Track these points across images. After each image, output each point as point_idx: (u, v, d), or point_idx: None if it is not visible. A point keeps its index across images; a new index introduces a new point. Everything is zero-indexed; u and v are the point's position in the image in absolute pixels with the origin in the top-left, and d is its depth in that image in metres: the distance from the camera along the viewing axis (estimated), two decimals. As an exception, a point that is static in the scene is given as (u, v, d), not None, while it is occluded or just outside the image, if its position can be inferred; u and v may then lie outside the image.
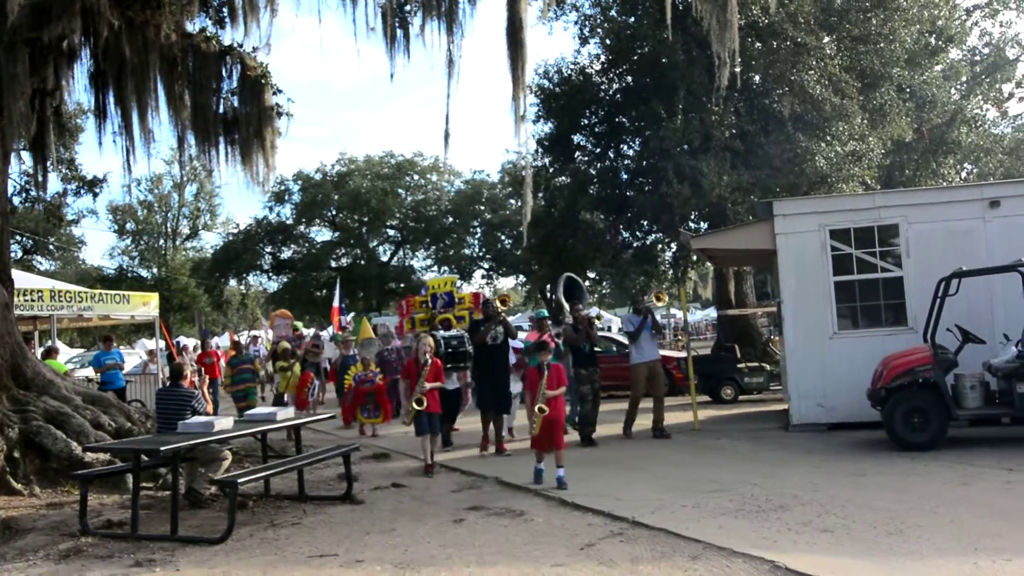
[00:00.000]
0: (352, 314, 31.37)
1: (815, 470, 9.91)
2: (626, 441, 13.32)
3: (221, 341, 35.29)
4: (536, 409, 9.53)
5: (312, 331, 26.56)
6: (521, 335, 15.62)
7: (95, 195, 30.21)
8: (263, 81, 12.89)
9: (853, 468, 9.86)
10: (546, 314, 14.28)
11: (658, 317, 13.93)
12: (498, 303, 13.25)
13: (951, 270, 11.03)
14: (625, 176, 25.52)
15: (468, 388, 15.54)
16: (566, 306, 14.00)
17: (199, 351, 22.19)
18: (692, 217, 23.68)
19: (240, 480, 8.48)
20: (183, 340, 36.03)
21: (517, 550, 7.21)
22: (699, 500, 8.57)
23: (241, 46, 12.84)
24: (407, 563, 6.99)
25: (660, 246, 26.41)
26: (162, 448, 8.28)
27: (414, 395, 10.81)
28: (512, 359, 13.51)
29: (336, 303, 26.45)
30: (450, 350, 12.96)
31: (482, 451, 12.65)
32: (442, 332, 13.87)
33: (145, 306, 21.87)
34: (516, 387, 13.25)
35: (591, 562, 6.70)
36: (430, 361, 11.00)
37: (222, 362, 20.19)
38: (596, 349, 13.67)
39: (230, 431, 9.23)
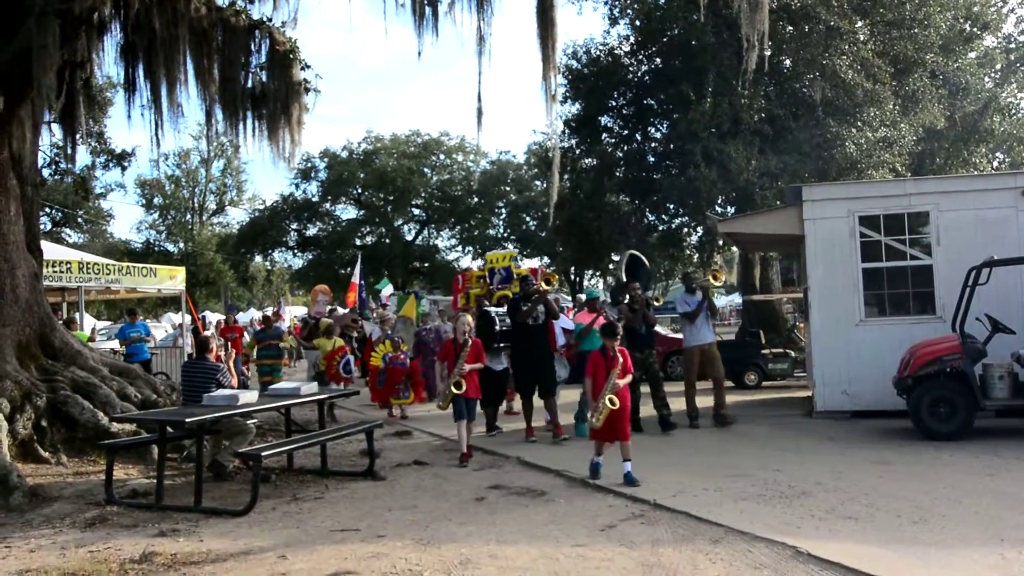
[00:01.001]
0: (395, 292, 30.97)
1: (839, 457, 9.83)
2: (651, 426, 12.58)
3: (244, 317, 35.51)
4: (607, 400, 8.55)
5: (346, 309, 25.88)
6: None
7: (123, 169, 30.54)
8: (291, 56, 12.87)
9: (877, 456, 9.78)
10: (597, 294, 13.44)
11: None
12: (542, 283, 12.18)
13: (982, 259, 10.89)
14: (652, 159, 25.37)
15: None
16: (593, 289, 13.50)
17: (222, 326, 22.26)
18: (719, 201, 23.50)
19: (264, 453, 8.55)
20: (208, 315, 36.27)
21: (537, 529, 7.22)
22: (721, 484, 8.53)
23: (270, 20, 12.85)
24: (428, 539, 7.02)
25: (686, 230, 26.24)
26: (187, 420, 8.34)
27: (452, 377, 10.20)
28: (560, 340, 13.05)
29: (356, 279, 25.82)
30: (505, 328, 12.43)
31: (530, 436, 11.79)
32: (495, 309, 13.37)
33: (172, 280, 22.01)
34: (562, 371, 12.78)
35: (612, 543, 6.70)
36: (470, 341, 10.39)
37: (245, 337, 20.28)
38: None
39: (254, 405, 9.29)
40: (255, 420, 10.10)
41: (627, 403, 8.94)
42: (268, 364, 17.00)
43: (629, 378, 8.93)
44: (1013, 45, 32.41)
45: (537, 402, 12.13)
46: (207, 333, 13.21)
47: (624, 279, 13.54)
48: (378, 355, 15.36)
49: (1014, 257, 10.91)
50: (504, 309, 13.02)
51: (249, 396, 9.37)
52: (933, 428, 10.52)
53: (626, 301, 12.62)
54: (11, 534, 7.59)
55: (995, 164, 31.64)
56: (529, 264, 21.74)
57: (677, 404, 12.97)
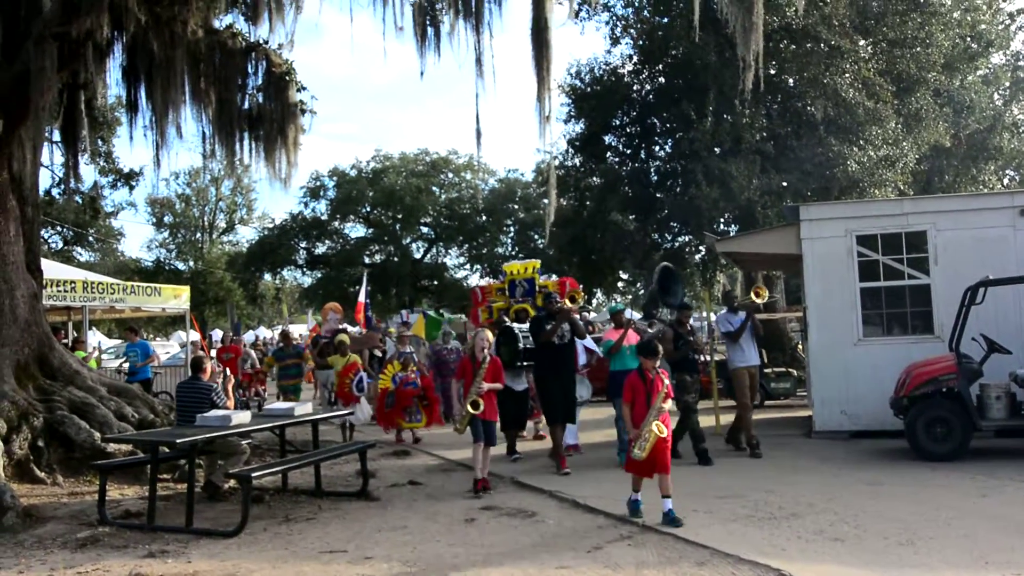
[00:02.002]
0: (415, 311, 30.70)
1: (833, 478, 9.82)
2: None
3: (248, 336, 35.51)
4: (654, 428, 7.63)
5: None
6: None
7: (131, 188, 30.72)
8: (287, 78, 12.99)
9: (871, 477, 9.75)
10: (622, 307, 12.33)
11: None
12: (566, 300, 11.30)
13: (979, 279, 10.88)
14: (655, 177, 25.33)
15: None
16: (667, 301, 12.50)
17: (219, 345, 22.15)
18: (721, 220, 23.49)
19: (255, 474, 8.59)
20: (216, 333, 36.38)
21: (525, 551, 7.24)
22: (711, 506, 8.52)
23: (267, 43, 12.97)
24: (414, 561, 7.05)
25: (689, 248, 26.23)
26: (179, 440, 8.40)
27: (469, 397, 9.49)
28: (582, 359, 12.37)
29: (362, 298, 25.23)
30: (528, 346, 11.60)
31: (562, 468, 10.76)
32: (518, 325, 12.50)
33: (176, 299, 22.09)
34: (583, 391, 12.26)
35: (596, 565, 6.71)
36: (488, 358, 9.73)
37: (252, 356, 20.25)
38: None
39: (247, 425, 9.32)
40: (251, 440, 10.13)
41: (669, 431, 8.09)
42: (290, 384, 16.65)
43: (670, 403, 8.03)
44: (1021, 63, 32.40)
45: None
46: (200, 354, 13.03)
47: (657, 292, 12.82)
48: (387, 376, 14.34)
49: (1010, 277, 10.89)
50: (527, 325, 12.27)
51: (242, 416, 9.40)
52: (929, 449, 10.47)
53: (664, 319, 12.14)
54: (2, 555, 7.63)
55: (1005, 182, 31.61)
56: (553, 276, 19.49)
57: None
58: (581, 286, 12.79)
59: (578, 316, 12.05)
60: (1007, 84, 30.94)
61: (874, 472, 10.07)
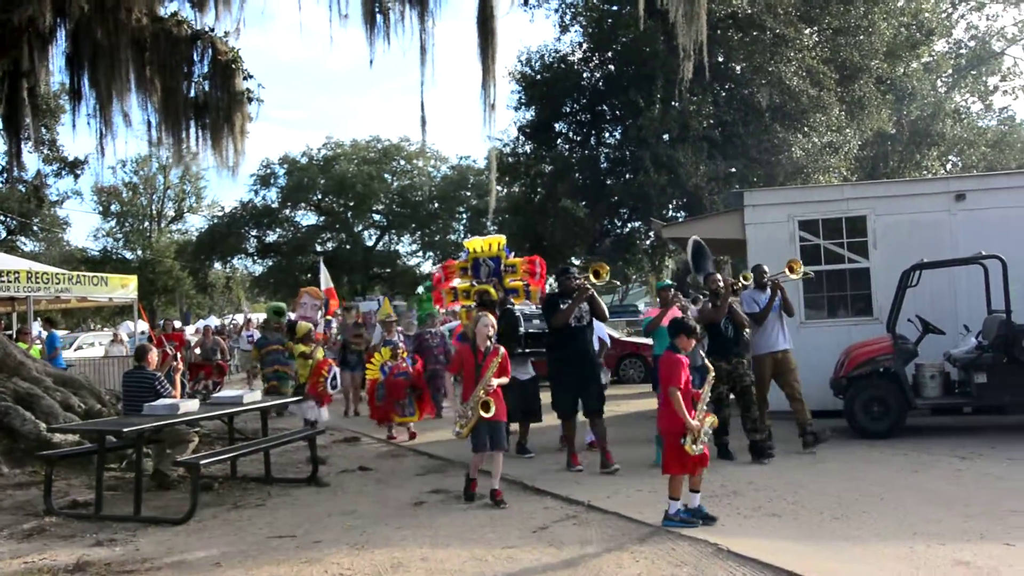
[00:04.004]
0: (368, 298, 30.19)
1: (774, 457, 10.05)
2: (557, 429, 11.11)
3: (198, 325, 35.06)
4: (707, 422, 6.97)
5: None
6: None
7: (76, 176, 30.28)
8: (234, 66, 12.91)
9: (811, 455, 10.01)
10: (669, 283, 10.97)
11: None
12: (590, 275, 9.65)
13: (915, 261, 11.20)
14: (605, 164, 25.63)
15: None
16: (695, 275, 11.21)
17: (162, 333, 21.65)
18: (670, 206, 23.78)
19: (204, 461, 8.60)
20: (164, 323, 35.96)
21: (472, 532, 7.34)
22: (655, 485, 8.66)
23: (213, 31, 12.88)
24: (363, 544, 7.11)
25: (638, 234, 26.53)
26: (126, 429, 8.40)
27: (474, 396, 8.10)
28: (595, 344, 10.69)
29: (328, 283, 24.01)
30: (532, 330, 10.61)
31: (574, 465, 9.76)
32: (520, 307, 11.43)
33: (124, 288, 21.85)
34: (602, 376, 10.75)
35: (541, 544, 6.84)
36: (494, 348, 8.29)
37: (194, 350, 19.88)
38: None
39: (195, 413, 9.33)
40: (199, 429, 10.13)
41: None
42: (278, 371, 15.37)
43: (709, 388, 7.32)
44: (963, 50, 33.10)
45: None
46: (144, 343, 12.40)
47: (690, 265, 11.28)
48: (375, 365, 12.98)
49: (943, 260, 11.20)
50: (531, 309, 11.20)
51: (190, 405, 9.41)
52: (866, 427, 10.79)
53: (703, 296, 10.87)
54: (-53, 546, 7.60)
55: (948, 167, 32.29)
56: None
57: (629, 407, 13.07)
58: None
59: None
60: (949, 71, 31.61)
61: (815, 450, 10.34)
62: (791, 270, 10.61)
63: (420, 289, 26.46)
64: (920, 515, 7.14)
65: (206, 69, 12.94)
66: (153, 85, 12.50)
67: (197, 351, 20.08)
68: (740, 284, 10.52)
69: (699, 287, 15.37)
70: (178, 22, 12.72)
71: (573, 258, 32.47)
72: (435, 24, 12.28)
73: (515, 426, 10.91)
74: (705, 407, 7.09)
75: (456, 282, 13.91)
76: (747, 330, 10.60)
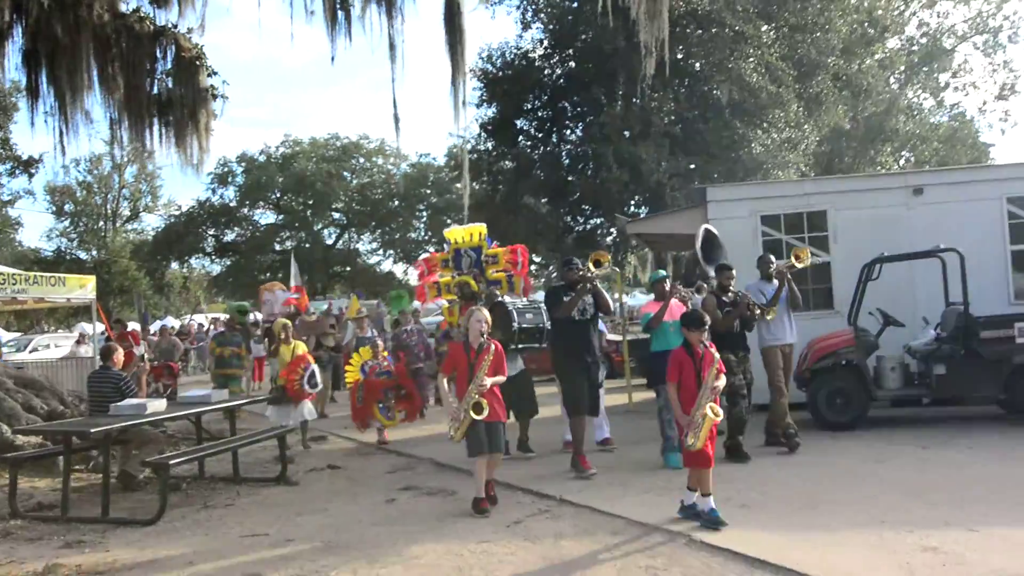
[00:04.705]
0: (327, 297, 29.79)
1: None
2: (552, 425, 11.11)
3: (155, 326, 34.63)
4: (708, 411, 6.64)
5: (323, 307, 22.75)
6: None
7: (31, 175, 29.85)
8: (198, 63, 12.81)
9: (776, 447, 10.13)
10: (664, 274, 10.03)
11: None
12: (590, 265, 9.16)
13: (875, 255, 11.38)
14: (567, 161, 25.72)
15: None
16: (707, 268, 10.24)
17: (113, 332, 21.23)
18: (633, 202, 23.94)
19: (172, 461, 8.55)
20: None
21: (446, 528, 7.37)
22: (626, 479, 8.79)
23: (176, 27, 12.77)
24: (336, 542, 7.11)
25: (600, 230, 26.66)
26: (93, 430, 8.32)
27: (467, 397, 7.54)
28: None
29: (296, 281, 23.20)
30: (525, 326, 9.95)
31: (585, 468, 9.07)
32: (516, 300, 10.79)
33: (82, 288, 21.45)
34: (600, 373, 10.28)
35: (516, 538, 6.88)
36: (488, 345, 7.75)
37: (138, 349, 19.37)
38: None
39: (162, 413, 9.27)
40: (164, 429, 10.04)
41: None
42: (227, 374, 15.39)
43: (723, 379, 7.00)
44: (915, 47, 33.59)
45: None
46: (110, 343, 11.91)
47: (700, 258, 10.40)
48: (355, 366, 12.23)
49: (902, 254, 11.38)
50: (524, 303, 10.60)
51: (157, 405, 9.34)
52: (830, 419, 10.95)
53: (709, 288, 10.36)
54: (-90, 550, 7.48)
55: (901, 163, 32.78)
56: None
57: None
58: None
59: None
60: (902, 68, 32.04)
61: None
62: (797, 259, 10.16)
63: (392, 293, 26.01)
64: (887, 504, 7.27)
65: (169, 66, 12.82)
66: (115, 82, 12.35)
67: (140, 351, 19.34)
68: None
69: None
70: (140, 18, 12.58)
71: (534, 255, 32.63)
72: (404, 21, 12.26)
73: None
74: (708, 398, 6.72)
75: (439, 275, 13.33)
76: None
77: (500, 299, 10.57)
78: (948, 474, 8.36)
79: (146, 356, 15.00)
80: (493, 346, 7.75)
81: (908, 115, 31.07)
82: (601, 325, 10.95)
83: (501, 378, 7.82)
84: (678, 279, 10.44)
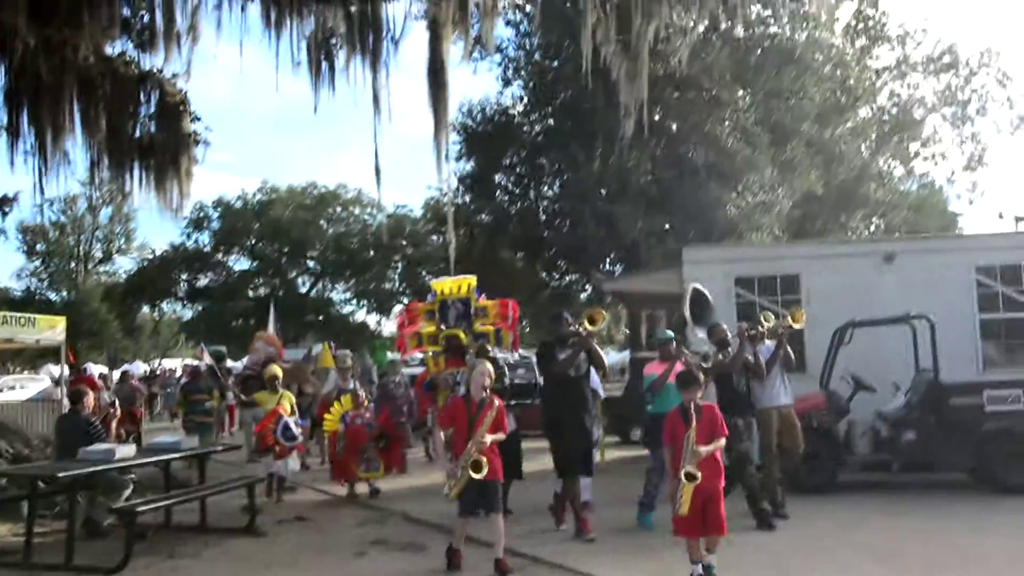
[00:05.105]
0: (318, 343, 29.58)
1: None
2: (534, 482, 10.63)
3: (133, 369, 34.28)
4: (682, 475, 6.38)
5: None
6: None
7: (4, 214, 29.57)
8: (182, 108, 12.82)
9: (744, 509, 10.06)
10: (670, 335, 9.81)
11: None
12: (586, 322, 8.80)
13: (847, 320, 11.47)
14: (543, 217, 25.82)
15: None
16: (693, 327, 10.04)
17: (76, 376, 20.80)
18: (608, 259, 24.06)
19: (139, 508, 8.43)
20: (91, 366, 35.03)
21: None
22: (601, 537, 8.68)
23: (161, 72, 12.79)
24: (305, 596, 7.05)
25: (576, 286, 26.73)
26: (60, 474, 8.20)
27: (465, 455, 7.19)
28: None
29: (271, 329, 22.71)
30: (518, 381, 9.84)
31: (560, 524, 9.15)
32: (507, 355, 10.55)
33: (52, 330, 21.20)
34: (595, 431, 10.30)
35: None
36: (490, 401, 7.45)
37: (104, 394, 18.85)
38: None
39: (131, 459, 9.15)
40: (132, 476, 9.89)
41: (719, 480, 6.73)
42: (197, 422, 15.09)
43: (721, 442, 6.76)
44: (886, 117, 34.15)
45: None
46: (80, 386, 11.54)
47: (687, 318, 10.20)
48: (334, 416, 11.79)
49: (874, 319, 11.47)
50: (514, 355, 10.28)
51: (126, 450, 9.24)
52: (800, 482, 10.93)
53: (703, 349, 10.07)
54: None
55: (872, 228, 33.14)
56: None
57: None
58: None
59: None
60: (873, 136, 32.48)
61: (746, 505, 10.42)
62: (794, 319, 9.87)
63: (377, 343, 25.55)
64: (858, 570, 7.29)
65: (153, 110, 12.81)
66: (98, 125, 12.29)
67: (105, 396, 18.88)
68: (757, 330, 9.74)
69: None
70: (126, 62, 12.60)
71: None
72: (388, 75, 12.32)
73: None
74: (691, 461, 6.44)
75: (421, 326, 12.94)
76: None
77: (491, 353, 10.37)
78: (917, 540, 8.32)
79: (116, 402, 14.67)
80: (496, 402, 7.46)
81: (879, 182, 31.43)
82: (596, 384, 10.50)
83: (501, 436, 7.54)
84: (651, 335, 10.06)
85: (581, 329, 8.90)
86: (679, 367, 8.57)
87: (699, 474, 6.33)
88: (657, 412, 8.69)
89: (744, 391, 9.32)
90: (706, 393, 7.49)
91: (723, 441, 6.76)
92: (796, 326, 9.93)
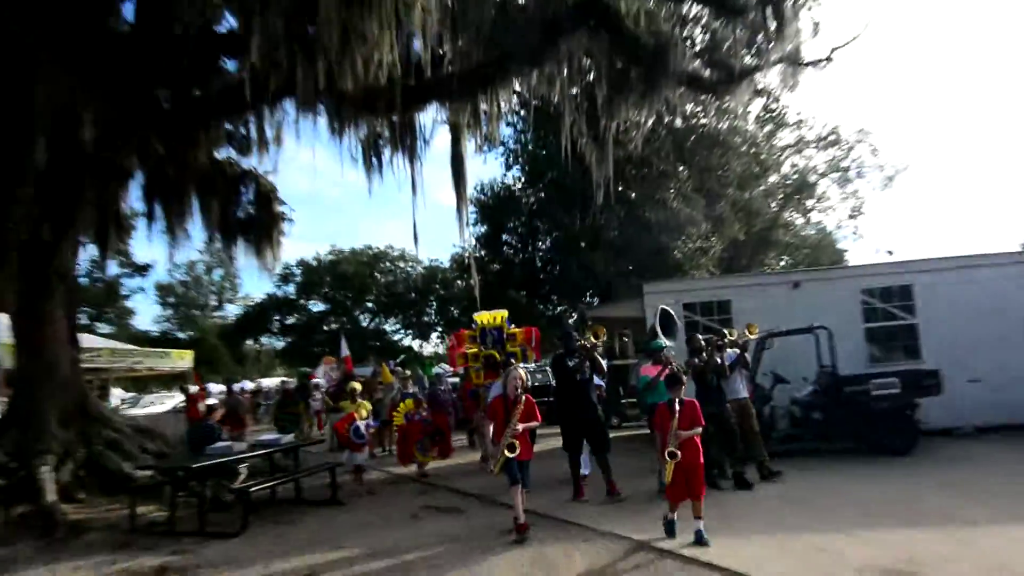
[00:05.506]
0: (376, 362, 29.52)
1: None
2: (544, 459, 11.08)
3: (241, 386, 34.14)
4: (666, 454, 6.47)
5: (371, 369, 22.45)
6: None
7: (144, 277, 29.90)
8: (272, 195, 13.01)
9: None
10: (662, 345, 9.47)
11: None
12: (591, 336, 9.03)
13: (767, 331, 11.49)
14: (539, 264, 25.93)
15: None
16: (662, 338, 9.61)
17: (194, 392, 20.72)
18: (588, 293, 24.11)
19: (252, 489, 8.48)
20: (211, 386, 34.99)
21: (457, 537, 7.31)
22: (598, 498, 8.59)
23: (256, 169, 13.00)
24: (375, 548, 7.06)
25: (565, 314, 26.75)
26: (194, 466, 8.28)
27: (504, 439, 7.13)
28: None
29: (344, 353, 22.99)
30: (536, 384, 9.29)
31: (579, 498, 8.68)
32: (528, 365, 9.98)
33: (182, 360, 21.50)
34: None
35: (507, 544, 6.87)
36: (522, 398, 7.40)
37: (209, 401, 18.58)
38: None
39: (244, 452, 9.21)
40: (246, 464, 9.92)
41: (697, 457, 6.60)
42: (288, 424, 15.84)
43: (698, 429, 6.66)
44: (789, 182, 34.29)
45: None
46: (212, 402, 11.59)
47: (658, 331, 9.87)
48: (400, 413, 11.95)
49: (788, 330, 11.47)
50: (531, 367, 9.75)
51: (240, 446, 9.32)
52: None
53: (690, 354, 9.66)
54: (58, 557, 7.39)
55: (782, 264, 33.17)
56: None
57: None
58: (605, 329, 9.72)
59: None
60: (780, 196, 32.62)
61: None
62: (749, 331, 9.98)
63: (427, 361, 25.30)
64: (785, 515, 7.27)
65: (251, 197, 12.99)
66: (211, 209, 12.49)
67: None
68: (724, 340, 9.61)
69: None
70: (230, 163, 12.81)
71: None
72: (422, 165, 12.48)
73: None
74: (673, 443, 6.46)
75: (466, 347, 12.97)
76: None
77: (515, 367, 10.25)
78: (826, 493, 8.29)
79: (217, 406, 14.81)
80: (525, 398, 7.38)
81: (785, 230, 31.51)
82: (597, 380, 9.86)
83: (534, 424, 7.41)
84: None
85: (586, 342, 8.96)
86: (668, 370, 8.45)
87: (679, 453, 6.40)
88: (654, 402, 8.46)
89: (713, 385, 9.15)
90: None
91: (700, 428, 6.64)
92: (752, 336, 9.96)
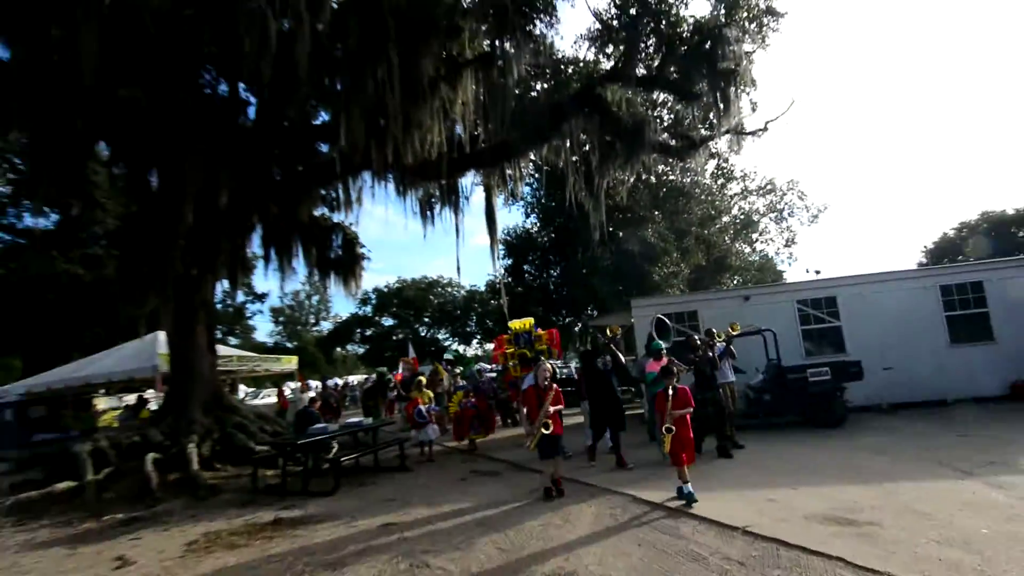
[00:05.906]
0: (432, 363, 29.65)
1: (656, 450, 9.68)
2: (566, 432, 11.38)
3: (330, 383, 34.24)
4: (664, 430, 6.32)
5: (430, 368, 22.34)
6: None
7: (262, 302, 30.20)
8: (355, 241, 13.08)
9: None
10: (662, 346, 8.98)
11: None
12: (608, 332, 8.88)
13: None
14: (552, 287, 25.80)
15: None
16: (659, 341, 9.10)
17: (315, 388, 20.88)
18: (589, 308, 23.92)
19: (342, 459, 8.44)
20: (311, 382, 35.16)
21: (495, 494, 7.21)
22: (604, 464, 8.44)
23: (342, 222, 13.12)
24: (434, 502, 7.00)
25: (573, 324, 26.57)
26: (300, 442, 8.26)
27: (539, 420, 6.86)
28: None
29: (411, 355, 22.92)
30: (560, 376, 9.37)
31: (624, 465, 8.14)
32: (554, 361, 9.81)
33: (289, 363, 21.62)
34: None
35: (536, 500, 6.74)
36: (551, 385, 7.14)
37: (311, 393, 18.12)
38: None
39: (337, 432, 9.18)
40: (338, 440, 9.86)
41: (686, 432, 6.40)
42: (371, 408, 15.83)
43: (688, 410, 6.43)
44: (737, 221, 33.92)
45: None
46: (312, 394, 11.89)
47: (654, 335, 9.40)
48: (455, 402, 11.99)
49: (741, 332, 11.23)
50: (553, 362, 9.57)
51: (333, 427, 9.29)
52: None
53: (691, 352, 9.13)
54: (199, 512, 7.40)
55: (735, 282, 32.69)
56: (490, 346, 18.04)
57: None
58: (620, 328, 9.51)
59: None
60: (732, 232, 32.28)
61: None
62: (732, 329, 9.77)
63: (467, 359, 25.14)
64: (745, 475, 7.07)
65: (339, 242, 13.07)
66: (310, 252, 12.60)
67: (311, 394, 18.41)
68: (714, 341, 9.33)
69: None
70: (324, 218, 12.93)
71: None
72: (464, 216, 12.51)
73: None
74: (669, 419, 6.27)
75: (506, 348, 12.67)
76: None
77: (543, 361, 10.13)
78: (776, 458, 8.05)
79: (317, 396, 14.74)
80: (555, 386, 7.11)
81: (737, 257, 31.05)
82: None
83: (561, 407, 7.07)
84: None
85: (605, 339, 8.78)
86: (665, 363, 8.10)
87: (674, 428, 6.26)
88: (656, 391, 8.00)
89: (708, 375, 8.78)
90: (684, 377, 7.23)
91: (690, 409, 6.43)
92: (735, 333, 9.78)
